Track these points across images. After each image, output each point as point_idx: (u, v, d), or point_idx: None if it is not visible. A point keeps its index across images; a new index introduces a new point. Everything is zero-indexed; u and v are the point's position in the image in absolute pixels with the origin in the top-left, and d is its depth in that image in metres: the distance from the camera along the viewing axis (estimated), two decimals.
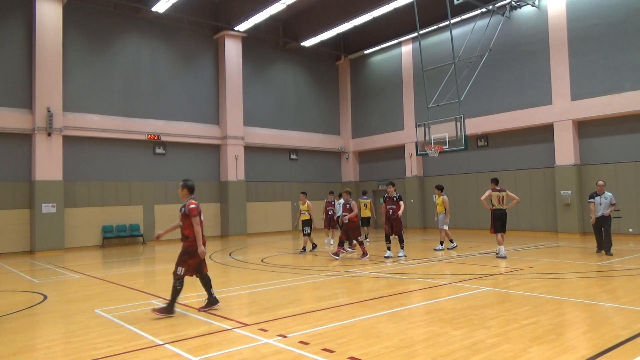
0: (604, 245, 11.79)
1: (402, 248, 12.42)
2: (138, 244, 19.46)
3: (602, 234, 11.81)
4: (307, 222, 14.29)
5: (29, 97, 17.35)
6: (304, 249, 14.35)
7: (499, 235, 11.87)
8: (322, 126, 26.00)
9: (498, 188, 12.10)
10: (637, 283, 8.00)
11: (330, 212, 16.07)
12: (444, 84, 18.32)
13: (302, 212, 14.40)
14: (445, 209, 13.74)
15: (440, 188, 14.04)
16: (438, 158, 18.67)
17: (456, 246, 13.98)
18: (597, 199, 11.77)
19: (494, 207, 11.95)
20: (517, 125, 18.98)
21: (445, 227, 13.82)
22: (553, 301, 6.80)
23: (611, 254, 11.58)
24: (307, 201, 14.58)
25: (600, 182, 11.98)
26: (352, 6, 20.63)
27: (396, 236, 12.41)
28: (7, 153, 16.94)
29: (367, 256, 12.31)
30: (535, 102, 18.42)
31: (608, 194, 11.74)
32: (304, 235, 14.27)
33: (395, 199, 12.34)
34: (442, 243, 14.03)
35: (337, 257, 12.33)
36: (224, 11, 21.62)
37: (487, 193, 12.04)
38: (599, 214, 11.70)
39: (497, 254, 11.92)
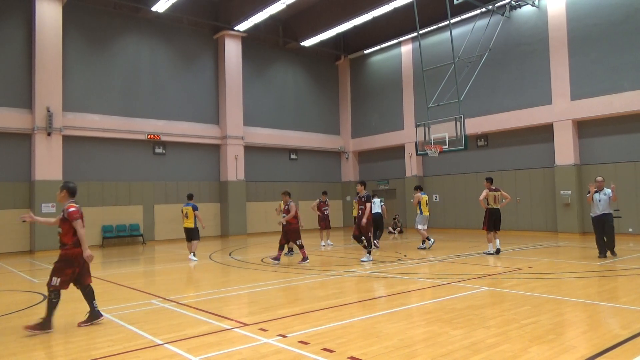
0: (608, 245, 11.23)
1: (367, 252, 11.66)
2: (138, 243, 19.46)
3: (604, 234, 11.21)
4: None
5: (28, 97, 17.34)
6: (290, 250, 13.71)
7: (492, 233, 12.25)
8: (322, 126, 26.00)
9: (493, 187, 12.43)
10: (636, 283, 8.00)
11: (326, 212, 16.07)
12: (443, 84, 18.31)
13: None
14: (419, 208, 14.22)
15: (417, 188, 14.71)
16: (438, 158, 18.68)
17: (425, 247, 14.06)
18: (597, 195, 11.13)
19: (490, 206, 12.24)
20: (517, 125, 18.98)
21: (420, 227, 14.18)
22: (553, 301, 6.80)
23: (615, 254, 11.20)
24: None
25: (599, 178, 11.39)
26: (352, 6, 20.63)
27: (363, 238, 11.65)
28: (7, 153, 16.94)
29: (307, 261, 11.68)
30: (535, 102, 18.42)
31: (607, 190, 11.11)
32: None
33: (363, 198, 11.68)
34: (423, 242, 14.26)
35: (277, 262, 11.76)
36: (223, 11, 21.62)
37: (484, 193, 12.28)
38: (599, 212, 11.10)
39: (486, 252, 12.37)
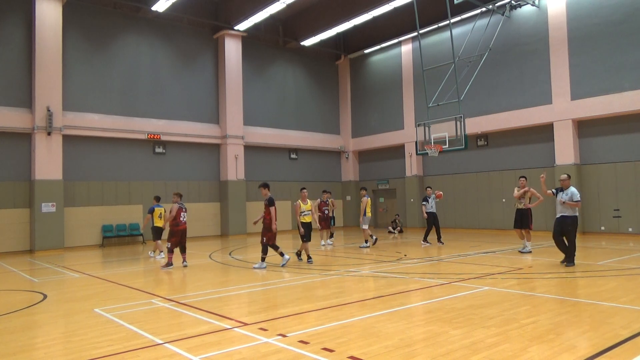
0: (567, 254, 10.02)
1: (262, 260, 11.16)
2: (138, 243, 19.46)
3: (563, 238, 10.05)
4: (310, 227, 12.34)
5: (28, 97, 17.34)
6: (298, 253, 12.42)
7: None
8: (322, 125, 26.00)
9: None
10: (636, 283, 8.00)
11: (326, 212, 16.08)
12: (443, 84, 18.31)
13: (304, 212, 12.24)
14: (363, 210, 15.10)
15: (364, 189, 15.83)
16: (438, 158, 18.68)
17: (368, 246, 14.91)
18: (560, 195, 10.10)
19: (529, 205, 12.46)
20: (517, 125, 18.98)
21: (365, 227, 15.09)
22: (553, 301, 6.80)
23: (573, 264, 9.85)
24: (310, 201, 12.58)
25: (563, 176, 10.43)
26: (352, 6, 20.63)
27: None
28: (7, 152, 16.94)
29: (170, 267, 11.32)
30: (535, 102, 18.42)
31: (571, 190, 10.01)
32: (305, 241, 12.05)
33: (266, 202, 11.33)
34: (366, 241, 15.06)
35: (169, 267, 11.45)
36: (223, 10, 21.62)
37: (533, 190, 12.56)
38: (558, 215, 10.10)
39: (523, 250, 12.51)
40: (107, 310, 6.99)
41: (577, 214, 10.01)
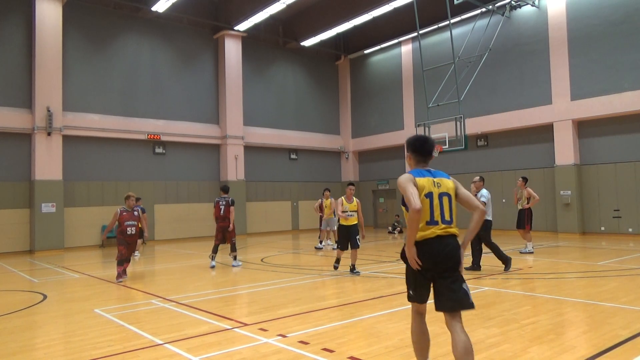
0: (474, 258, 9.72)
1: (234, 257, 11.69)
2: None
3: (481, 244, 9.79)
4: (352, 230, 9.78)
5: (28, 97, 17.34)
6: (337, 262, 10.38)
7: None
8: (322, 126, 26.00)
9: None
10: (636, 283, 8.00)
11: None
12: (443, 84, 18.31)
13: (350, 212, 9.82)
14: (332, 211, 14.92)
15: (327, 190, 15.95)
16: (438, 158, 18.64)
17: (322, 248, 15.17)
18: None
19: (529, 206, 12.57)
20: (517, 125, 18.98)
21: (328, 228, 15.23)
22: (553, 301, 6.80)
23: (477, 268, 9.56)
24: (355, 199, 9.99)
25: (475, 178, 10.08)
26: (352, 6, 20.63)
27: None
28: (7, 153, 16.94)
29: (122, 279, 9.86)
30: (535, 102, 18.42)
31: (481, 192, 9.79)
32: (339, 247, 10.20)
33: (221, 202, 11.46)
34: (321, 242, 15.51)
35: (122, 280, 9.86)
36: (224, 11, 21.62)
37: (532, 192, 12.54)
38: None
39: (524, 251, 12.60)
40: (107, 310, 6.99)
41: (489, 217, 9.82)
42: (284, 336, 5.31)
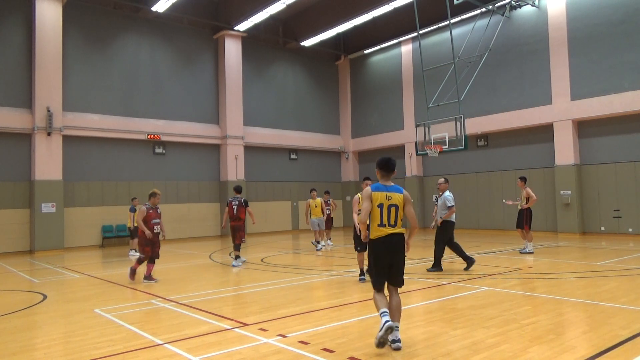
0: (435, 260, 9.69)
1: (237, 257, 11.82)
2: None
3: (452, 246, 9.84)
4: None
5: (28, 97, 17.34)
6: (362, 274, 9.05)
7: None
8: (322, 126, 26.00)
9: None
10: (636, 283, 8.00)
11: (328, 212, 16.06)
12: (443, 84, 18.31)
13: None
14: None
15: (313, 190, 15.68)
16: (438, 158, 18.68)
17: (320, 249, 14.93)
18: (438, 200, 9.88)
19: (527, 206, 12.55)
20: (517, 125, 18.98)
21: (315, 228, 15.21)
22: (553, 301, 6.80)
23: (439, 269, 9.56)
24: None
25: (440, 180, 10.04)
26: (352, 6, 20.63)
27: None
28: (7, 153, 16.94)
29: (154, 280, 9.52)
30: (535, 102, 18.42)
31: (444, 195, 9.65)
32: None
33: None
34: (318, 242, 15.19)
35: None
36: (224, 11, 21.62)
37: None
38: (433, 223, 10.12)
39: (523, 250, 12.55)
40: (107, 310, 6.99)
41: (452, 219, 9.80)
42: (284, 336, 5.31)
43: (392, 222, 4.94)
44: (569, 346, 4.72)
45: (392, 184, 5.10)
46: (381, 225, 4.94)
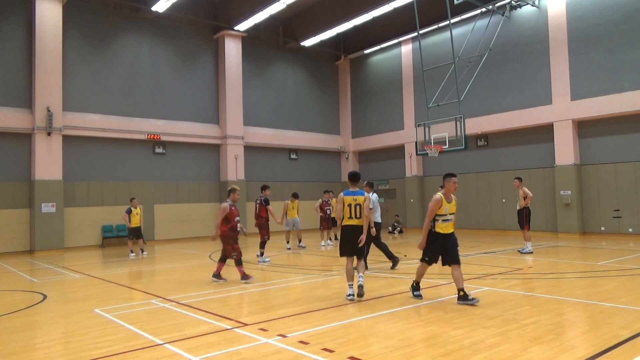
0: (389, 258, 10.29)
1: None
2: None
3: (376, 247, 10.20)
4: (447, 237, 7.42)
5: (28, 97, 17.34)
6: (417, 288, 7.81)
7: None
8: (322, 126, 26.00)
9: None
10: (636, 283, 8.00)
11: (329, 212, 16.06)
12: (444, 84, 18.31)
13: (447, 218, 7.52)
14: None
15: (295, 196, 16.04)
16: (438, 158, 18.68)
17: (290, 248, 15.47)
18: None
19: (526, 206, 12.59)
20: (517, 125, 18.98)
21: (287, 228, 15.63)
22: (553, 301, 6.80)
23: (395, 265, 10.12)
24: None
25: (363, 184, 10.12)
26: (352, 6, 20.63)
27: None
28: (7, 153, 16.94)
29: (250, 279, 9.22)
30: (535, 102, 18.42)
31: (371, 196, 9.50)
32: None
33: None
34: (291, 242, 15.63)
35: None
36: (224, 11, 21.62)
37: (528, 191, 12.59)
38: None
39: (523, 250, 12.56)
40: (107, 310, 6.99)
41: (377, 219, 10.28)
42: (284, 336, 5.31)
43: (355, 216, 7.18)
44: (569, 346, 4.72)
45: (358, 189, 7.28)
46: (350, 218, 7.19)
